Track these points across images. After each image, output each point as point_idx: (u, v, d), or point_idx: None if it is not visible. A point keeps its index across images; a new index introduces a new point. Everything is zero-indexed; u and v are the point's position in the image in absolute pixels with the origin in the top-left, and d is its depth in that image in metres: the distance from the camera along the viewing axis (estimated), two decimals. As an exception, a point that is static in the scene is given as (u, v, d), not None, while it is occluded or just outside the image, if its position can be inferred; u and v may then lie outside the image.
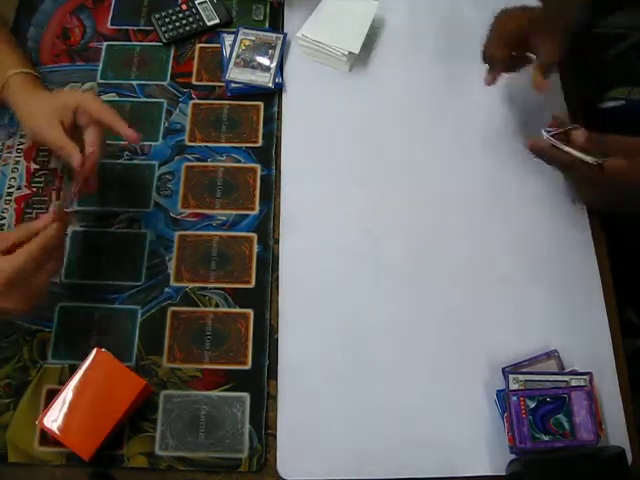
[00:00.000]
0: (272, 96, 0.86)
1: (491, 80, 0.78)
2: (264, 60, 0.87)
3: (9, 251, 0.61)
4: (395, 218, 0.79)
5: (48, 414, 0.64)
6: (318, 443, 0.68)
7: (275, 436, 0.68)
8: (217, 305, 0.74)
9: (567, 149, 0.69)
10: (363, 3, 0.89)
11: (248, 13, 0.93)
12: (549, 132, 0.71)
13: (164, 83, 0.87)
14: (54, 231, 0.63)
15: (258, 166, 0.82)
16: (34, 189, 0.79)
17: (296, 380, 0.70)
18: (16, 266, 0.60)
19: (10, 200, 0.78)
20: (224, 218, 0.78)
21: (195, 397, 0.69)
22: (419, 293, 0.75)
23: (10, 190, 0.79)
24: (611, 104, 0.75)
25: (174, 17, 0.90)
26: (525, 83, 0.88)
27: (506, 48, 0.76)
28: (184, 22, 0.90)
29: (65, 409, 0.64)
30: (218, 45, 0.89)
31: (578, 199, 0.79)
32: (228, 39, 0.89)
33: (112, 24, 0.91)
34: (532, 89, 0.87)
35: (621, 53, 1.24)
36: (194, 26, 0.90)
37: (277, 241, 0.77)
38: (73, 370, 0.66)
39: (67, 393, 0.64)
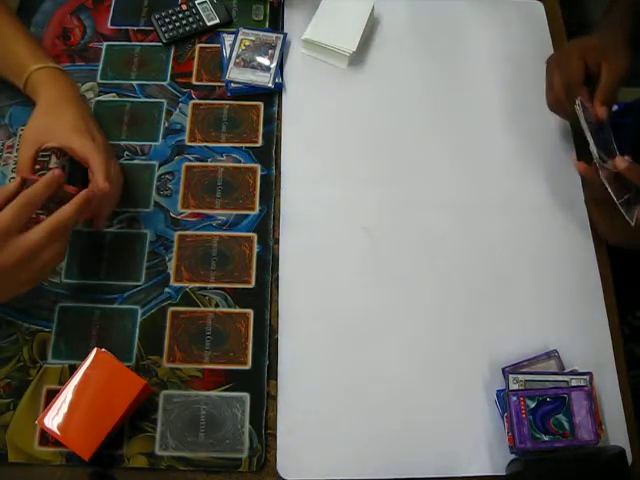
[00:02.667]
0: (272, 96, 0.86)
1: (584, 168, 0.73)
2: (264, 60, 0.87)
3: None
4: (395, 218, 0.79)
5: (48, 414, 0.64)
6: (318, 443, 0.68)
7: (275, 436, 0.68)
8: (217, 305, 0.74)
9: (602, 178, 0.68)
10: (360, 1, 0.89)
11: (248, 13, 0.93)
12: (582, 103, 0.72)
13: (164, 83, 0.87)
14: (72, 212, 0.64)
15: (258, 166, 0.82)
16: (34, 189, 0.79)
17: (296, 380, 0.70)
18: (31, 241, 0.61)
19: (10, 200, 0.78)
20: (224, 218, 0.78)
21: (195, 397, 0.69)
22: (419, 293, 0.75)
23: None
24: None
25: (174, 17, 0.90)
26: (525, 81, 0.89)
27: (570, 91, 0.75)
28: (184, 22, 0.90)
29: (65, 409, 0.64)
30: (218, 45, 0.89)
31: (602, 232, 0.76)
32: (228, 39, 0.89)
33: (112, 24, 0.91)
34: (533, 87, 0.87)
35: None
36: (194, 26, 0.90)
37: (277, 241, 0.77)
38: (73, 370, 0.66)
39: (67, 393, 0.64)
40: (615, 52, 0.75)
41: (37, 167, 0.80)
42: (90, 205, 0.67)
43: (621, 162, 0.68)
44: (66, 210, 0.64)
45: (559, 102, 0.77)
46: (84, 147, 0.70)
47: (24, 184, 0.66)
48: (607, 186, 0.68)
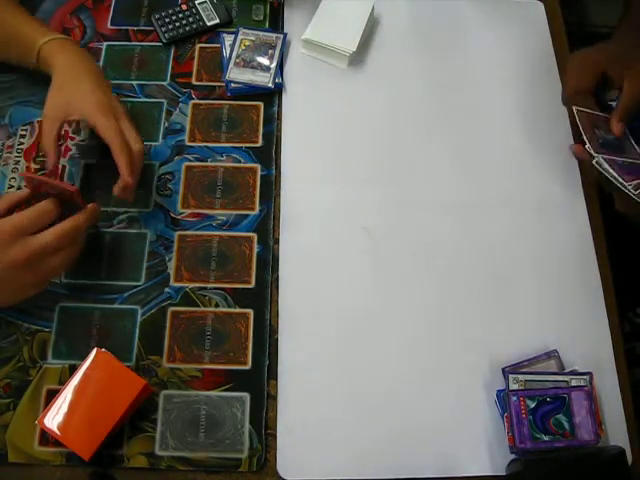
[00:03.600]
0: (272, 96, 0.86)
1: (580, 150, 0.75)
2: (264, 60, 0.87)
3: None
4: (395, 218, 0.79)
5: (48, 414, 0.64)
6: (318, 443, 0.68)
7: (275, 436, 0.68)
8: (217, 305, 0.74)
9: (612, 172, 0.69)
10: (360, 2, 0.89)
11: (248, 13, 0.93)
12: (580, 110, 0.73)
13: (164, 83, 0.87)
14: (84, 220, 0.67)
15: (258, 166, 0.82)
16: (34, 189, 0.79)
17: (296, 380, 0.70)
18: (42, 242, 0.63)
19: (10, 200, 0.78)
20: (224, 218, 0.78)
21: (195, 397, 0.69)
22: (419, 293, 0.75)
23: (10, 190, 0.79)
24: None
25: (174, 17, 0.90)
26: (525, 81, 0.89)
27: (592, 79, 0.75)
28: (184, 22, 0.90)
29: (65, 409, 0.64)
30: (218, 45, 0.89)
31: (620, 207, 0.76)
32: (228, 39, 0.89)
33: (112, 24, 0.91)
34: (533, 87, 0.87)
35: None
36: (194, 26, 0.90)
37: (277, 241, 0.77)
38: (73, 370, 0.66)
39: (67, 393, 0.64)
40: None
41: (37, 167, 0.80)
42: (99, 215, 0.70)
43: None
44: (79, 218, 0.66)
45: (569, 102, 0.78)
46: (108, 129, 0.71)
47: (31, 183, 0.66)
48: (613, 176, 0.69)
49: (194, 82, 0.87)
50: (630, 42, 0.78)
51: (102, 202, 0.78)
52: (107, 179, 0.74)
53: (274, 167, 0.82)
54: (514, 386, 0.67)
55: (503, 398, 0.68)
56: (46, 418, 0.63)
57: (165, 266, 0.75)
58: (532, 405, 0.66)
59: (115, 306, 0.73)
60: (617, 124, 0.74)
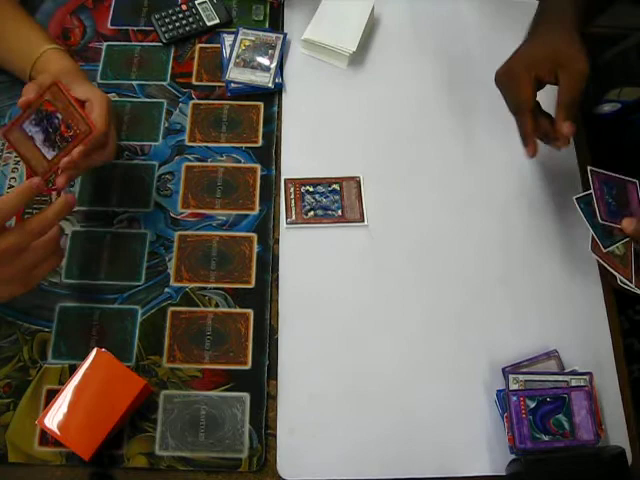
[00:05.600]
0: (272, 96, 0.86)
1: (533, 150, 0.70)
2: (264, 60, 0.87)
3: None
4: (395, 218, 0.79)
5: (48, 414, 0.64)
6: (318, 443, 0.68)
7: (275, 436, 0.68)
8: (217, 305, 0.74)
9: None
10: (360, 2, 0.89)
11: (248, 13, 0.93)
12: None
13: (164, 83, 0.87)
14: (49, 212, 0.62)
15: (258, 166, 0.82)
16: (34, 189, 0.79)
17: (296, 380, 0.70)
18: (6, 243, 0.58)
19: (10, 200, 0.78)
20: (224, 218, 0.78)
21: (195, 397, 0.69)
22: (419, 293, 0.75)
23: (10, 190, 0.79)
24: (606, 108, 0.74)
25: (174, 17, 0.90)
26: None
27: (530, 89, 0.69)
28: (184, 22, 0.90)
29: (65, 409, 0.64)
30: (218, 45, 0.89)
31: None
32: (228, 39, 0.89)
33: (112, 24, 0.91)
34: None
35: (621, 53, 1.24)
36: (194, 26, 0.90)
37: (277, 241, 0.77)
38: (73, 370, 0.66)
39: (67, 393, 0.64)
40: (570, 55, 0.67)
41: None
42: (72, 207, 0.65)
43: (628, 224, 0.67)
44: (46, 212, 0.62)
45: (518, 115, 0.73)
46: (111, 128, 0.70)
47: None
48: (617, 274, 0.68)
49: (194, 82, 0.87)
50: (557, 29, 0.71)
51: (101, 202, 0.78)
52: None
53: (274, 167, 0.82)
54: (514, 386, 0.67)
55: (503, 398, 0.68)
56: (46, 418, 0.63)
57: (165, 266, 0.75)
58: (532, 405, 0.66)
59: (115, 306, 0.73)
60: (564, 124, 0.67)
